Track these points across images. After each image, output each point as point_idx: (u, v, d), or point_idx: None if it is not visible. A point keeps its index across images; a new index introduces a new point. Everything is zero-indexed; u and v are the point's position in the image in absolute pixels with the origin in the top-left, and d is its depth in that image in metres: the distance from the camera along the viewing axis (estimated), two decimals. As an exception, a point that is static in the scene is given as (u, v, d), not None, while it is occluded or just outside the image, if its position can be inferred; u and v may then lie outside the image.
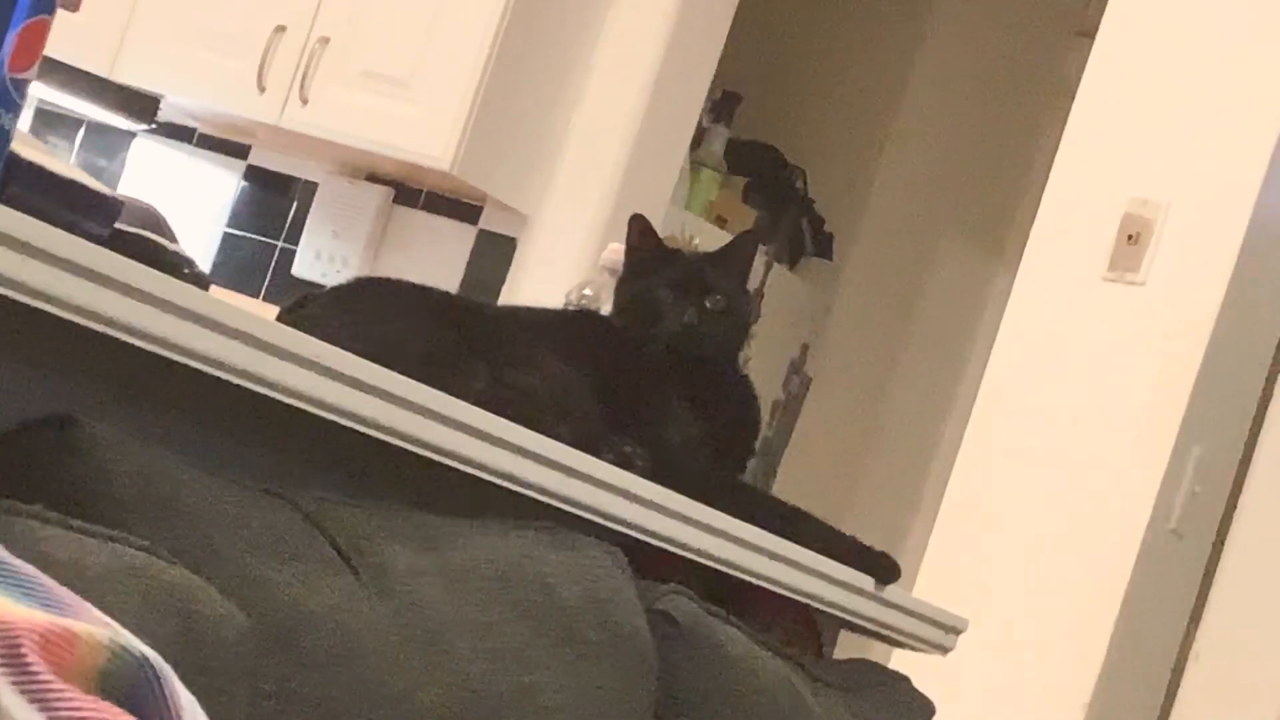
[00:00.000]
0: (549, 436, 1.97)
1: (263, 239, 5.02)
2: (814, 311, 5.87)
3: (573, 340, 2.27)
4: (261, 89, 4.61)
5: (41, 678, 0.98)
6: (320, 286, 3.65)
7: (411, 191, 4.83)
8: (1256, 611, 3.77)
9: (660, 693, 2.02)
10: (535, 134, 4.58)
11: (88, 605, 1.09)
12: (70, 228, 1.47)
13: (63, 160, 1.65)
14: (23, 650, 0.98)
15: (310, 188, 4.97)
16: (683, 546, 2.16)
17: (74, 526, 1.37)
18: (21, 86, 1.45)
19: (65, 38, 2.41)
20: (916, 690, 2.53)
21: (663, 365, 2.30)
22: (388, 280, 2.35)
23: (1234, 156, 3.60)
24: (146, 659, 1.06)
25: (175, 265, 1.81)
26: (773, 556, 2.27)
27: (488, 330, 2.19)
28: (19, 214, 1.41)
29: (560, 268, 4.42)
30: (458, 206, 4.75)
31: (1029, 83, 5.77)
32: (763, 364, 5.30)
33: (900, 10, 5.93)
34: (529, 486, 1.95)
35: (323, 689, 1.56)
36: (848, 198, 5.88)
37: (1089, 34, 3.85)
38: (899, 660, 2.84)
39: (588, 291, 2.61)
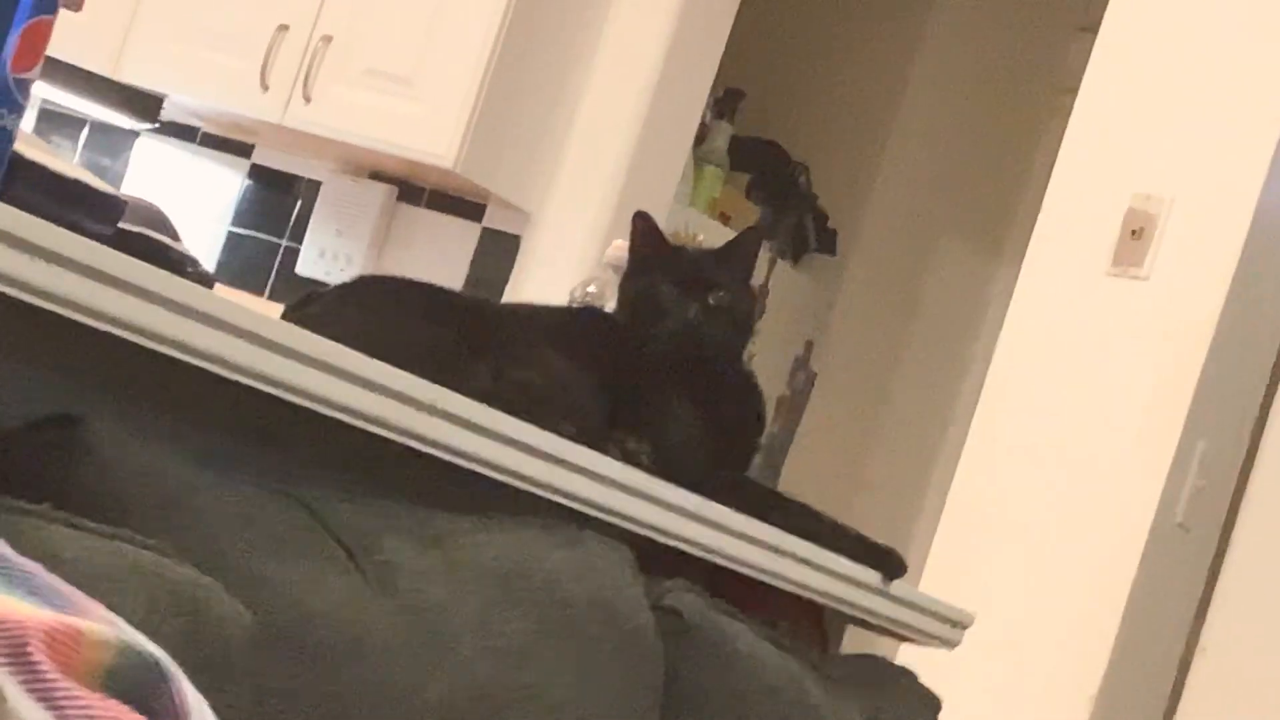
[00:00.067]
0: (554, 433, 1.97)
1: (267, 237, 5.02)
2: (818, 308, 5.87)
3: (577, 337, 2.27)
4: (265, 88, 4.62)
5: (49, 676, 0.98)
6: (324, 285, 3.66)
7: (415, 189, 4.83)
8: (1263, 605, 3.77)
9: (666, 689, 2.02)
10: (538, 131, 4.58)
11: (94, 603, 1.09)
12: (74, 227, 1.47)
13: (66, 160, 1.65)
14: (29, 649, 0.98)
15: (314, 186, 4.97)
16: (688, 542, 2.16)
17: (79, 525, 1.38)
18: (24, 86, 1.45)
19: (68, 37, 2.41)
20: (923, 685, 2.53)
21: (667, 362, 2.30)
22: (392, 278, 2.35)
23: (1238, 151, 3.59)
24: (153, 657, 1.06)
25: (179, 264, 1.81)
26: (779, 552, 2.27)
27: (492, 328, 2.19)
28: (23, 213, 1.41)
29: (564, 265, 4.42)
30: (461, 204, 4.76)
31: (1031, 78, 5.77)
32: (767, 360, 5.30)
33: (902, 7, 5.93)
34: (534, 483, 1.95)
35: (328, 687, 1.56)
36: (851, 194, 5.88)
37: (1091, 29, 3.85)
38: (905, 655, 2.84)
39: (591, 289, 2.61)
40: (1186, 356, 3.54)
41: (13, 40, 1.42)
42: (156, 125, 5.18)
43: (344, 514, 1.72)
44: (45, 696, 0.97)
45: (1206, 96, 3.66)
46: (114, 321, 1.49)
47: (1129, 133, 3.71)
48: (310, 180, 4.99)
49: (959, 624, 2.59)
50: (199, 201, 5.11)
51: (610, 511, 2.05)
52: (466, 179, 4.48)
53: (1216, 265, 3.55)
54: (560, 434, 1.98)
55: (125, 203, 1.72)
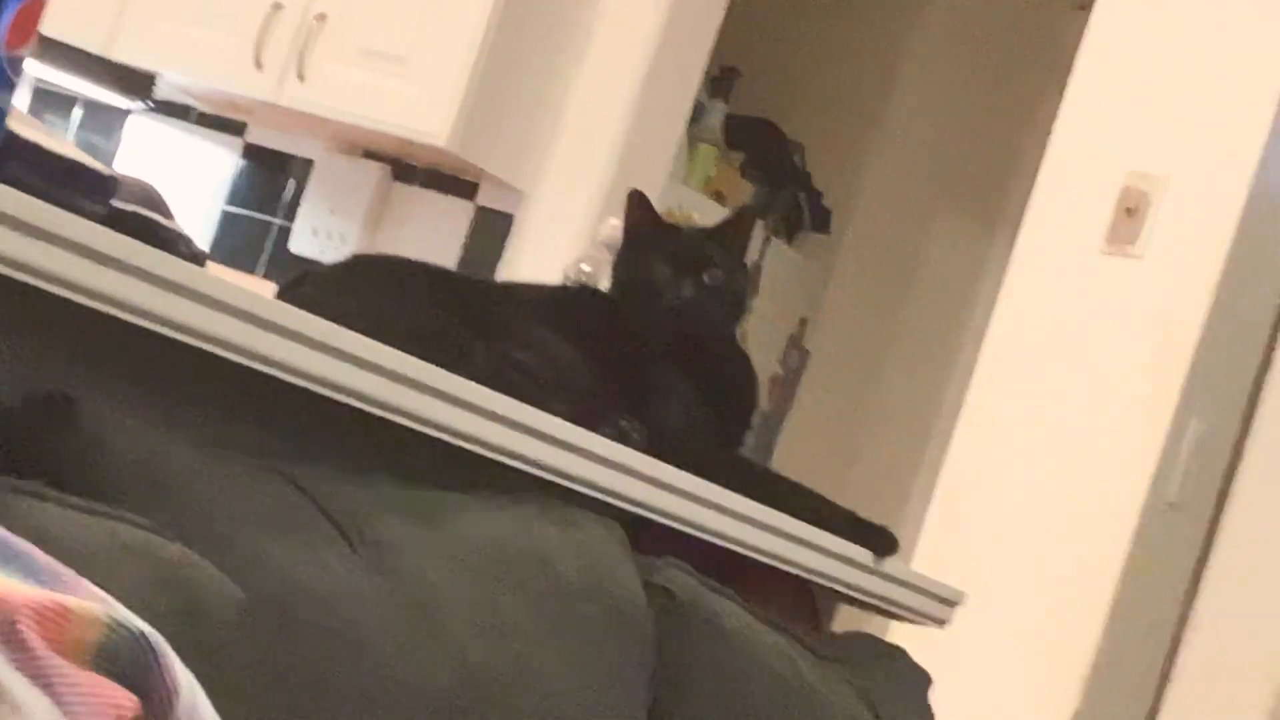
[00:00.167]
0: (547, 412, 1.97)
1: (260, 216, 5.02)
2: (812, 286, 5.87)
3: (571, 316, 2.28)
4: (259, 66, 4.61)
5: (38, 653, 0.98)
6: (318, 264, 3.66)
7: (409, 168, 4.83)
8: (1254, 584, 3.77)
9: (658, 666, 2.03)
10: (532, 110, 4.58)
11: (84, 581, 1.10)
12: (67, 206, 1.47)
13: (60, 138, 1.65)
14: (19, 626, 0.99)
15: (307, 165, 4.97)
16: (681, 521, 2.16)
17: (72, 503, 1.38)
18: (17, 64, 1.45)
19: (61, 15, 2.41)
20: (914, 662, 2.54)
21: (661, 340, 2.30)
22: (385, 257, 2.36)
23: (1233, 129, 3.59)
24: (143, 634, 1.06)
25: (172, 243, 1.81)
26: (771, 531, 2.27)
27: (485, 306, 2.20)
28: (16, 192, 1.41)
29: (558, 244, 4.42)
30: (455, 183, 4.75)
31: (1026, 56, 5.76)
32: (761, 339, 5.31)
33: (898, -16, 5.93)
34: (527, 462, 1.95)
35: (320, 665, 1.56)
36: (845, 172, 5.88)
37: (1086, 6, 3.85)
38: (896, 633, 2.85)
39: (586, 267, 2.62)
40: (1180, 336, 3.54)
41: (6, 18, 1.42)
42: (150, 103, 5.17)
43: (337, 493, 1.72)
44: (34, 673, 0.98)
45: (1202, 75, 3.66)
46: (107, 300, 1.49)
47: (1124, 111, 3.71)
48: (304, 159, 4.98)
49: (950, 602, 2.60)
50: (192, 180, 5.11)
51: (603, 490, 2.06)
52: (460, 157, 4.47)
53: (1211, 244, 3.55)
54: (554, 413, 1.99)
55: (118, 181, 1.72)
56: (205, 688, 1.11)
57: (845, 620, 2.69)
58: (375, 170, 4.83)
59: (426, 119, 4.41)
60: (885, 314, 5.93)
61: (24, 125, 1.59)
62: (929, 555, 3.59)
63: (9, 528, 1.12)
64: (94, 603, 1.05)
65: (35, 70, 4.94)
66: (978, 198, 5.88)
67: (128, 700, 1.03)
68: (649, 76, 4.61)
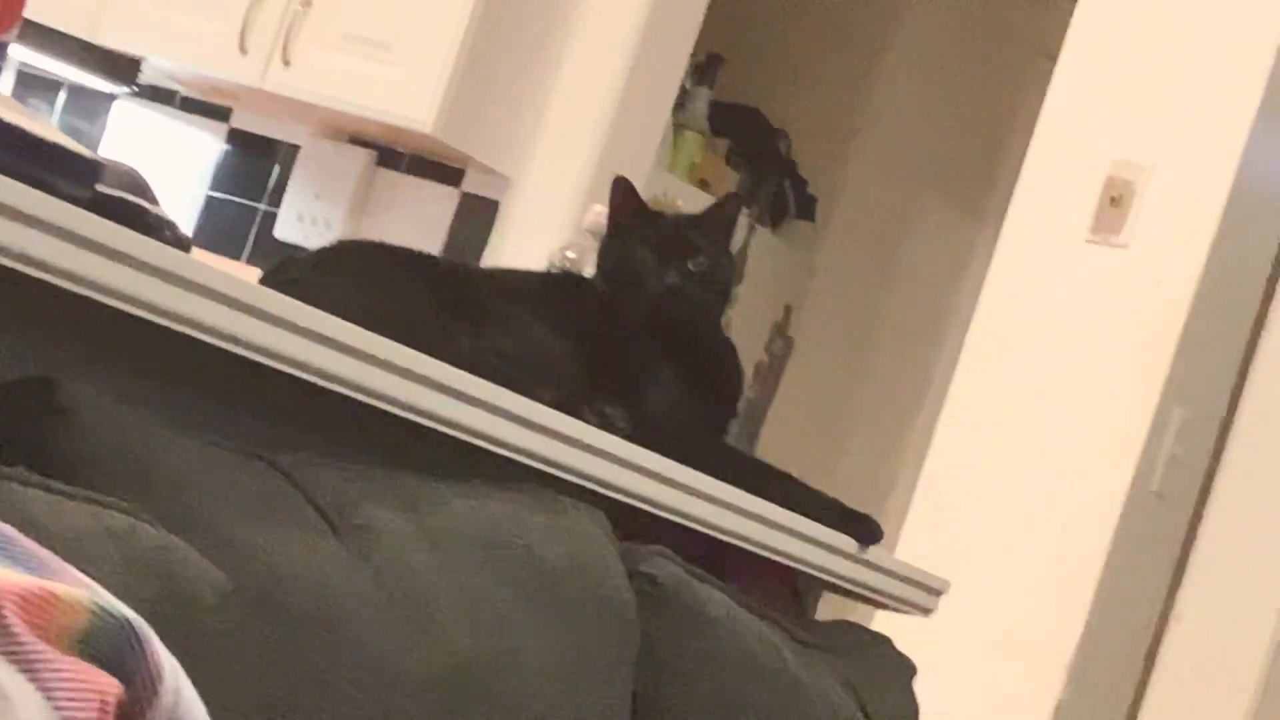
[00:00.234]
0: (531, 398, 1.97)
1: (245, 202, 5.01)
2: (796, 274, 5.87)
3: (555, 303, 2.27)
4: (244, 51, 4.60)
5: (22, 639, 0.98)
6: (303, 249, 3.65)
7: (394, 154, 4.82)
8: (1237, 573, 3.78)
9: (642, 654, 2.03)
10: (518, 96, 4.57)
11: (68, 567, 1.09)
12: (51, 190, 1.47)
13: (44, 123, 1.65)
14: (4, 613, 0.99)
15: (292, 150, 4.96)
16: (665, 508, 2.16)
17: (55, 489, 1.37)
18: (1, 49, 1.44)
19: (46, 0, 2.41)
20: (898, 651, 2.54)
21: (645, 327, 2.30)
22: (370, 243, 2.35)
23: (1217, 119, 3.60)
24: (127, 620, 1.06)
25: (157, 228, 1.81)
26: (755, 518, 2.27)
27: (470, 293, 2.19)
28: (0, 177, 1.40)
29: (543, 230, 4.42)
30: (440, 169, 4.74)
31: (1012, 45, 5.76)
32: (745, 326, 5.30)
33: (883, -28, 5.92)
34: (511, 449, 1.95)
35: (304, 651, 1.56)
36: (830, 160, 5.88)
37: (1072, -3, 3.85)
38: (881, 621, 2.85)
39: (570, 254, 2.61)
40: (1164, 325, 3.54)
41: (-11, 2, 1.42)
42: (134, 88, 5.16)
43: (321, 479, 1.72)
44: (18, 659, 0.98)
45: (1187, 64, 3.66)
46: (91, 285, 1.48)
47: (1109, 100, 3.71)
48: (289, 144, 4.97)
49: (934, 591, 2.60)
50: (177, 165, 5.10)
51: (587, 477, 2.06)
52: (446, 144, 4.47)
53: (1195, 233, 3.56)
54: (538, 399, 1.98)
55: (103, 166, 1.71)
56: (189, 673, 1.11)
57: (829, 609, 2.69)
58: (360, 156, 4.82)
59: (412, 105, 4.40)
60: (870, 302, 5.93)
61: (8, 109, 1.58)
62: (913, 543, 3.60)
63: (-8, 513, 1.12)
64: (78, 589, 1.05)
65: (20, 54, 4.93)
66: (963, 186, 5.89)
67: (112, 686, 1.02)
68: (634, 63, 4.60)
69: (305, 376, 1.71)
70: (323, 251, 2.28)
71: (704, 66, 5.59)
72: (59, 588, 1.03)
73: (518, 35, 4.52)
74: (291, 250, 4.64)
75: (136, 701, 1.05)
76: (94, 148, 4.89)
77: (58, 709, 0.98)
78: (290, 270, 2.14)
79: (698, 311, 2.35)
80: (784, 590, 2.50)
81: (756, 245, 5.62)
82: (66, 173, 1.63)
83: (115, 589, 1.11)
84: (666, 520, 2.18)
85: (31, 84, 5.31)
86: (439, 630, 1.72)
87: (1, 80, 4.98)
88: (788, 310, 5.87)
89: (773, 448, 5.61)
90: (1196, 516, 3.82)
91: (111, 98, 5.25)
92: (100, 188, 1.71)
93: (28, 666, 0.98)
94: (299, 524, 1.64)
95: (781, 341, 5.86)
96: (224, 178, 5.08)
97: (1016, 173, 3.79)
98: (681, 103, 5.35)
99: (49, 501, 1.35)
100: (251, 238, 4.95)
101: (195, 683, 1.11)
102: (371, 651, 1.63)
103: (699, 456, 2.21)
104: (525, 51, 4.56)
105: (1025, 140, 3.81)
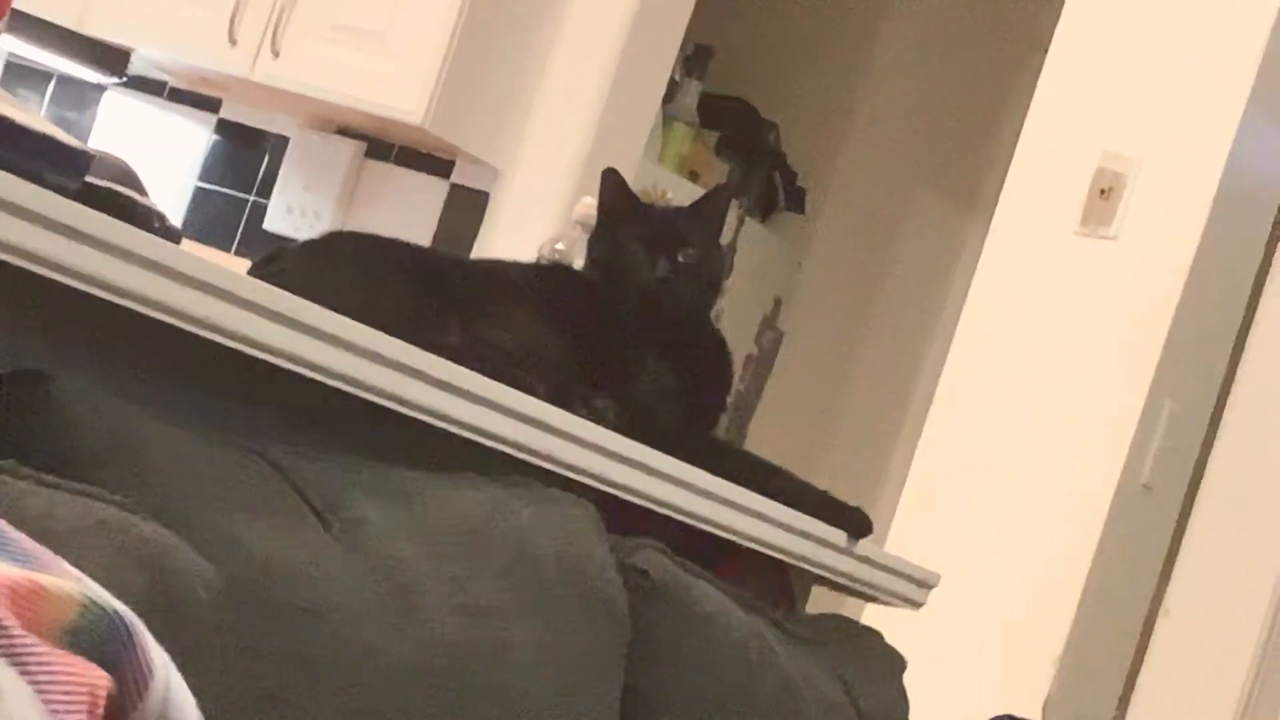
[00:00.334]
0: (521, 391, 1.97)
1: (234, 193, 5.00)
2: (786, 266, 5.86)
3: (545, 295, 2.27)
4: (233, 42, 4.59)
5: (12, 632, 0.98)
6: (292, 241, 3.64)
7: (383, 145, 4.82)
8: (1226, 567, 3.79)
9: (632, 647, 2.02)
10: (508, 88, 4.57)
11: (59, 559, 1.09)
12: (40, 181, 1.46)
13: (33, 113, 1.64)
14: (-6, 605, 0.98)
15: (282, 142, 4.95)
16: (655, 501, 2.16)
17: (45, 481, 1.37)
18: (-10, 39, 1.44)
19: (35, -10, 2.41)
20: (888, 644, 2.54)
21: (635, 319, 2.30)
22: (360, 234, 2.35)
23: (1207, 111, 3.60)
24: (118, 613, 1.06)
25: (146, 219, 1.81)
26: (745, 511, 2.27)
27: (460, 285, 2.19)
28: (-11, 168, 1.40)
29: (533, 222, 4.41)
30: (430, 160, 4.74)
31: (1002, 37, 5.76)
32: (735, 318, 5.30)
33: (874, -36, 5.92)
34: (501, 441, 1.95)
35: (295, 644, 1.56)
36: (820, 152, 5.87)
37: (1062, -12, 3.85)
38: (871, 615, 2.85)
39: (560, 246, 2.61)
40: (1154, 317, 3.54)
41: (-22, -7, 1.41)
42: (123, 79, 5.15)
43: (312, 472, 1.72)
44: (7, 651, 0.97)
45: (1177, 57, 3.66)
46: (81, 277, 1.48)
47: (1099, 92, 3.71)
48: (278, 135, 4.97)
49: (924, 584, 2.60)
50: (166, 156, 5.09)
51: (578, 470, 2.05)
52: (435, 135, 4.46)
53: (1185, 226, 3.56)
54: (528, 392, 1.98)
55: (92, 157, 1.71)
56: (180, 667, 1.11)
57: (819, 602, 2.69)
58: (350, 147, 4.82)
59: (402, 96, 4.39)
60: (860, 294, 5.93)
61: (-3, 100, 1.58)
62: (903, 537, 3.60)
63: (-18, 505, 1.12)
64: (69, 581, 1.04)
65: (8, 45, 4.92)
66: (953, 178, 5.89)
67: (101, 679, 1.02)
68: (624, 55, 4.60)
69: (295, 369, 1.71)
70: (312, 243, 2.28)
71: (694, 58, 5.58)
72: (48, 580, 1.03)
73: (508, 27, 4.52)
74: (280, 242, 4.63)
75: (127, 694, 1.04)
76: (83, 139, 4.88)
77: (47, 702, 0.98)
78: (279, 261, 2.13)
79: (688, 303, 2.35)
80: (774, 583, 2.50)
81: (746, 237, 5.61)
82: (55, 164, 1.62)
83: (106, 582, 1.11)
84: (658, 513, 2.18)
85: (20, 75, 5.30)
86: (430, 621, 1.72)
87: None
88: (777, 302, 5.87)
89: (762, 440, 5.61)
90: (1186, 509, 3.83)
91: (101, 88, 5.25)
92: (89, 179, 1.71)
93: (17, 659, 0.97)
94: (290, 516, 1.64)
95: (771, 334, 5.86)
96: (213, 169, 5.07)
97: (1007, 164, 3.79)
98: (671, 94, 5.34)
99: (40, 494, 1.35)
100: (240, 229, 4.95)
101: (186, 675, 1.11)
102: (362, 643, 1.63)
103: (689, 449, 2.21)
104: (515, 43, 4.56)
105: (1015, 132, 3.81)
